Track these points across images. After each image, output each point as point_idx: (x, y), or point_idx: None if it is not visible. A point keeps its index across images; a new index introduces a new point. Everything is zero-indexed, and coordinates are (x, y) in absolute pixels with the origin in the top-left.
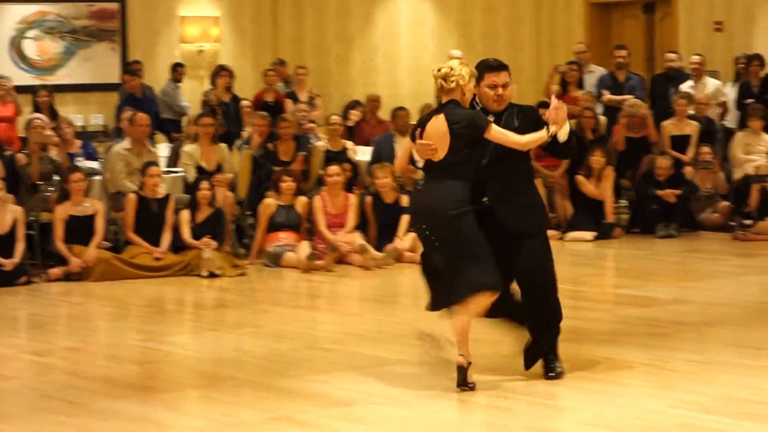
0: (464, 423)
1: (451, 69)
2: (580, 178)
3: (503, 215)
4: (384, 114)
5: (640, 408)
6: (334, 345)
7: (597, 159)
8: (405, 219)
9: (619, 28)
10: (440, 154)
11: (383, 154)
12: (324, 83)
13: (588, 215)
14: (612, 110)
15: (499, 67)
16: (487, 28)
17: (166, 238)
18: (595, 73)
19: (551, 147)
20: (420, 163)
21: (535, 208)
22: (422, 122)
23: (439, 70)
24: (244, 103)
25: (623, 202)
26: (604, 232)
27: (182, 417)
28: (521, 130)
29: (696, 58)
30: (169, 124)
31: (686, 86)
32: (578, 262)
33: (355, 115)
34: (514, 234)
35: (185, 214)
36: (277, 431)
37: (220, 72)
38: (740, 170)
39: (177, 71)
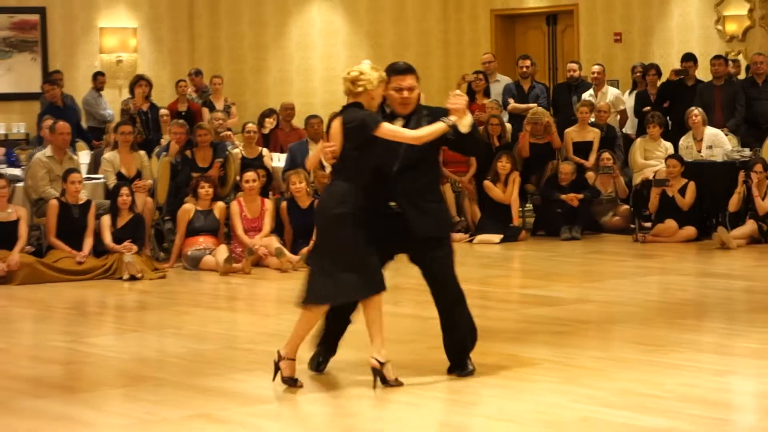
0: (377, 418)
1: (361, 73)
2: (487, 183)
3: (413, 220)
4: (298, 122)
5: (543, 402)
6: (252, 345)
7: (503, 165)
8: None
9: (523, 39)
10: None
11: (298, 161)
12: (240, 92)
13: (495, 219)
14: (517, 118)
15: (405, 70)
16: (397, 39)
17: (88, 243)
18: (500, 82)
19: (458, 143)
20: (327, 166)
21: (443, 212)
22: (328, 126)
23: (348, 74)
24: (163, 111)
25: (529, 206)
26: (511, 235)
27: (105, 415)
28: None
29: (596, 68)
30: (92, 132)
31: (587, 95)
32: (486, 264)
33: (270, 123)
34: (423, 239)
35: (106, 219)
36: (197, 428)
37: (139, 81)
38: (640, 175)
39: (98, 80)
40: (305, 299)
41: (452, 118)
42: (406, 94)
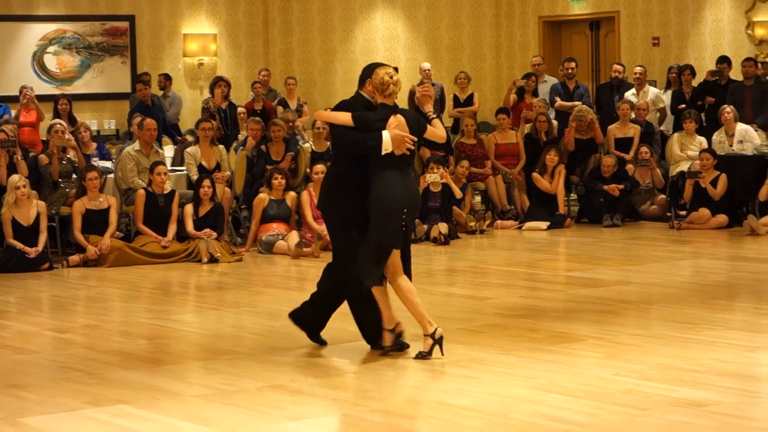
0: (438, 390)
1: (396, 75)
2: (535, 174)
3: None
4: None
5: (589, 375)
6: None
7: (551, 158)
8: None
9: (569, 43)
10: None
11: None
12: (310, 92)
13: (542, 207)
14: (563, 115)
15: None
16: (453, 43)
17: (172, 229)
18: (548, 82)
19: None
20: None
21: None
22: (377, 120)
23: (391, 77)
24: (240, 109)
25: (573, 196)
26: (557, 222)
27: (187, 386)
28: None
29: (639, 69)
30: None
31: (630, 94)
32: (534, 249)
33: None
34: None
35: (189, 208)
36: (271, 398)
37: (218, 82)
38: (676, 167)
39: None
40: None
41: (431, 110)
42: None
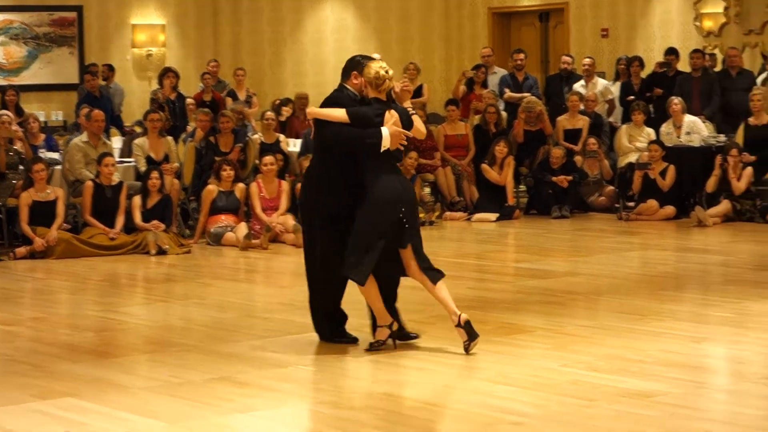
0: (387, 381)
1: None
2: (484, 166)
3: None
4: None
5: (537, 367)
6: (269, 314)
7: (500, 149)
8: None
9: (518, 34)
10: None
11: (311, 146)
12: (259, 83)
13: (491, 199)
14: (512, 106)
15: None
16: (402, 34)
17: (120, 221)
18: (497, 74)
19: None
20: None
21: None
22: (375, 115)
23: (386, 72)
24: (189, 100)
25: (522, 187)
26: (506, 214)
27: (134, 378)
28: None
29: (587, 61)
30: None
31: (579, 85)
32: (483, 240)
33: (286, 112)
34: None
35: (137, 200)
36: (218, 390)
37: (167, 73)
38: (624, 158)
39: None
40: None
41: (410, 105)
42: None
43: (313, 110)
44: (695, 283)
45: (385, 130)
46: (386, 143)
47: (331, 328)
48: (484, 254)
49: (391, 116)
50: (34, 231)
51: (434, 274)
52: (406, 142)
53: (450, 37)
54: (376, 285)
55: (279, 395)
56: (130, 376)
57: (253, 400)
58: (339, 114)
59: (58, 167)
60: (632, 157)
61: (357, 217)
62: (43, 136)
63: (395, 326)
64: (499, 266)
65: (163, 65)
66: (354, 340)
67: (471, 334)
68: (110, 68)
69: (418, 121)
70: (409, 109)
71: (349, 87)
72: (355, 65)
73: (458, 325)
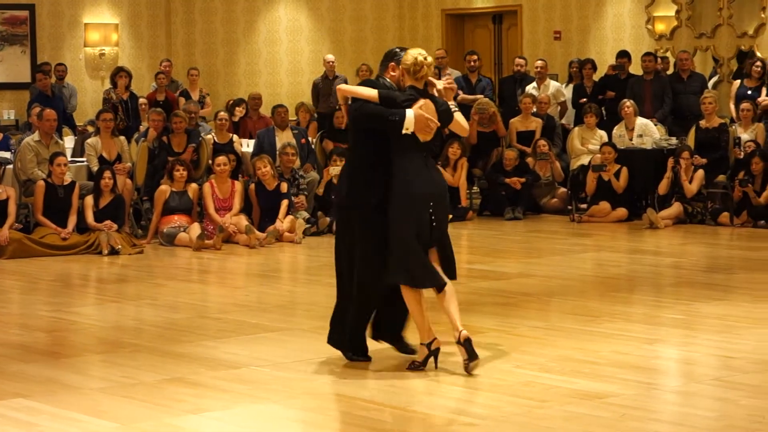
0: (339, 382)
1: (426, 57)
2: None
3: None
4: (265, 110)
5: (490, 368)
6: (222, 314)
7: (453, 151)
8: (285, 203)
9: (471, 36)
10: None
11: (264, 146)
12: (213, 83)
13: None
14: (466, 108)
15: None
16: (356, 35)
17: (72, 221)
18: (451, 75)
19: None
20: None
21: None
22: (403, 100)
23: (425, 58)
24: (142, 100)
25: (476, 189)
26: (459, 215)
27: (87, 379)
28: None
29: (540, 63)
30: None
31: (531, 87)
32: None
33: (239, 112)
34: None
35: (89, 200)
36: (171, 391)
37: (119, 73)
38: (577, 161)
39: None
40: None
41: (453, 102)
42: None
43: (343, 87)
44: (647, 284)
45: (409, 112)
46: (409, 125)
47: (356, 343)
48: None
49: (423, 103)
50: None
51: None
52: (433, 131)
53: (403, 39)
54: (422, 296)
55: (232, 396)
56: (82, 377)
57: (205, 400)
58: (369, 93)
59: (10, 167)
60: (584, 160)
61: (389, 217)
62: (0, 136)
63: (436, 344)
64: None
65: (115, 65)
66: (367, 359)
67: (471, 354)
68: (65, 67)
69: (459, 117)
70: (452, 106)
71: (387, 78)
72: (392, 56)
73: (458, 341)
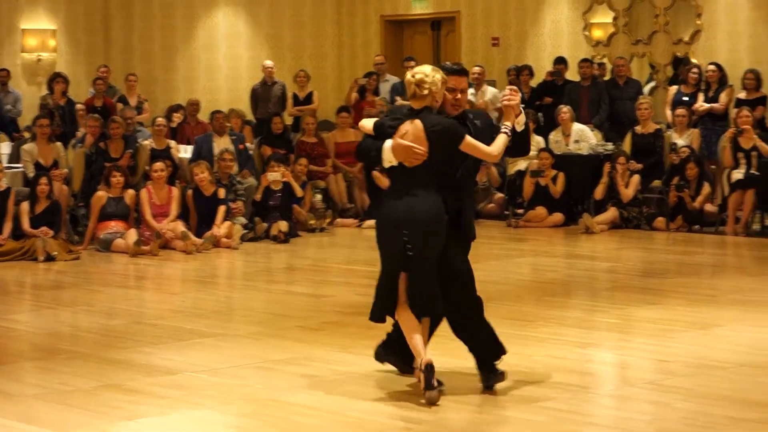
0: (275, 387)
1: (426, 75)
2: (375, 173)
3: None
4: (203, 116)
5: None
6: (159, 320)
7: None
8: (222, 209)
9: (410, 42)
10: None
11: (203, 152)
12: (151, 89)
13: None
14: None
15: (460, 71)
16: (295, 41)
17: (7, 227)
18: (389, 81)
19: (511, 145)
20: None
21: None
22: (389, 126)
23: (413, 76)
24: (79, 106)
25: None
26: None
27: (22, 386)
28: (478, 138)
29: (477, 69)
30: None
31: (469, 93)
32: (374, 247)
33: (177, 118)
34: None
35: (25, 206)
36: (107, 397)
37: (56, 79)
38: (513, 166)
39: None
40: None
41: (508, 124)
42: (459, 96)
43: (361, 123)
44: (582, 289)
45: (387, 143)
46: (386, 156)
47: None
48: (375, 261)
49: (410, 126)
50: None
51: (417, 312)
52: (420, 156)
53: (342, 45)
54: (410, 314)
55: (168, 402)
56: (17, 384)
57: (141, 407)
58: (369, 125)
59: None
60: (521, 165)
61: None
62: None
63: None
64: None
65: (53, 70)
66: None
67: (428, 383)
68: (8, 72)
69: (499, 140)
70: (504, 127)
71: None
72: None
73: (419, 367)
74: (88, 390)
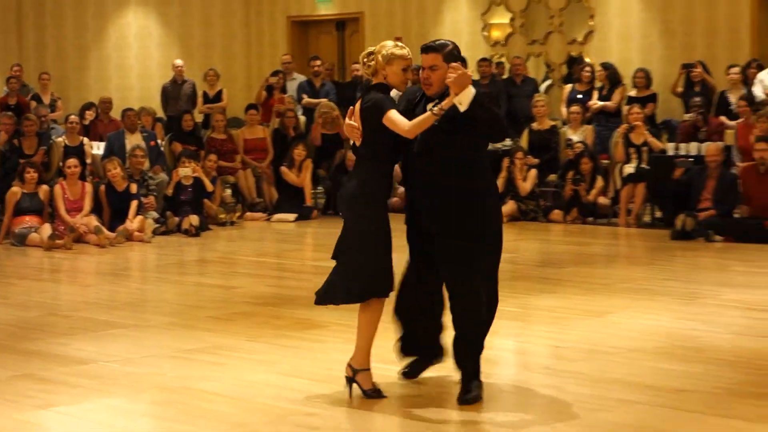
0: (185, 376)
1: (374, 49)
2: (283, 168)
3: (423, 210)
4: (115, 114)
5: (332, 360)
6: (73, 312)
7: (298, 152)
8: (134, 204)
9: (316, 42)
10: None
11: (115, 149)
12: (64, 87)
13: (290, 200)
14: (310, 111)
15: (426, 48)
16: (205, 40)
17: None
18: (296, 80)
19: (478, 126)
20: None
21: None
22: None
23: (369, 54)
24: None
25: (320, 189)
26: (304, 214)
27: None
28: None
29: None
30: None
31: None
32: (282, 240)
33: (90, 115)
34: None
35: None
36: (20, 387)
37: None
38: None
39: None
40: (333, 297)
41: (442, 104)
42: (424, 74)
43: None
44: None
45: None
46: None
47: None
48: (283, 253)
49: (357, 105)
50: None
51: (318, 298)
52: (357, 133)
53: (251, 44)
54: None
55: (80, 391)
56: None
57: (54, 396)
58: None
59: None
60: None
61: None
62: None
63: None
64: (297, 264)
65: None
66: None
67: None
68: None
69: (420, 117)
70: (440, 106)
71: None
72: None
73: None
74: (3, 379)
